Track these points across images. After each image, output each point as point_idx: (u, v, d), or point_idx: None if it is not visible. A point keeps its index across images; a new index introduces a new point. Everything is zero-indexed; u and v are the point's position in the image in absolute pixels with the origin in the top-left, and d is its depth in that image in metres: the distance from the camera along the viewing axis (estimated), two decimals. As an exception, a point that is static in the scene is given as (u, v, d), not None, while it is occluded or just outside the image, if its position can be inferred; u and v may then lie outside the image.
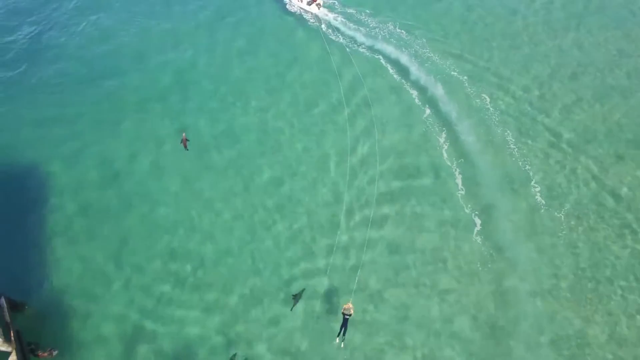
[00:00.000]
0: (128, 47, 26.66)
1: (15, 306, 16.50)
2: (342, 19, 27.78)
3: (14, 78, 25.03)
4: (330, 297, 17.57)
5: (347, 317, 15.79)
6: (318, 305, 17.29)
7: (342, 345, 16.12)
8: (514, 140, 21.94)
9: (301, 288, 17.36)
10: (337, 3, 28.78)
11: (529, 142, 21.93)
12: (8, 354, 14.50)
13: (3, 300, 15.86)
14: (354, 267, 18.09)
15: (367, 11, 28.06)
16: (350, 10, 28.32)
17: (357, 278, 17.54)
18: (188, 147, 21.09)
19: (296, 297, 16.85)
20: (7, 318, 15.31)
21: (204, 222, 19.73)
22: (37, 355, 15.22)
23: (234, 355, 15.90)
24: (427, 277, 17.96)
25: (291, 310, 16.87)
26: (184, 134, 21.01)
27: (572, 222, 19.26)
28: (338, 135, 22.50)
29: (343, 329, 15.89)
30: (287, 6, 28.74)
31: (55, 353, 15.38)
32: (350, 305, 15.77)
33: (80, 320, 16.95)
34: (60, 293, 17.57)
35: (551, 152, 21.57)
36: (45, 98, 24.09)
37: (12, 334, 14.88)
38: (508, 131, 22.23)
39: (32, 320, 16.72)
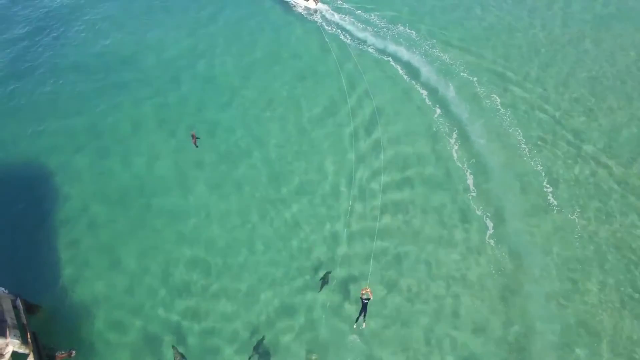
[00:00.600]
0: (142, 53, 26.46)
1: (29, 308, 16.47)
2: (351, 19, 27.61)
3: (31, 84, 24.91)
4: (345, 285, 17.80)
5: (366, 301, 15.95)
6: (334, 294, 17.55)
7: (363, 326, 16.33)
8: (525, 140, 21.79)
9: (327, 271, 17.77)
10: (345, 4, 28.62)
11: (542, 143, 21.80)
12: (26, 356, 14.58)
13: (19, 301, 15.89)
14: (366, 266, 18.07)
15: (377, 13, 27.86)
16: (359, 11, 28.16)
17: (369, 274, 17.65)
18: (198, 144, 21.30)
19: (323, 279, 17.37)
20: (24, 320, 15.34)
21: (224, 220, 19.72)
22: (55, 358, 15.33)
23: (262, 338, 16.25)
24: (440, 279, 17.88)
25: (319, 291, 17.35)
26: (193, 132, 21.27)
27: (592, 225, 19.08)
28: (350, 136, 22.34)
29: (363, 313, 16.10)
30: (293, 8, 28.66)
31: (74, 353, 15.47)
32: (368, 289, 16.03)
33: (97, 319, 17.01)
34: (75, 293, 17.63)
35: (567, 154, 21.43)
36: (63, 103, 24.06)
37: (29, 336, 14.98)
38: (520, 131, 22.06)
39: (47, 322, 16.77)
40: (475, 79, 24.16)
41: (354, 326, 16.41)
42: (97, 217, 19.67)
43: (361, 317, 16.20)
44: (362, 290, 16.15)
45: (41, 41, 27.21)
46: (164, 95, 24.29)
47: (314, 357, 16.21)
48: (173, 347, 15.97)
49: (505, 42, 26.46)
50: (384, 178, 20.58)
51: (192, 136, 21.18)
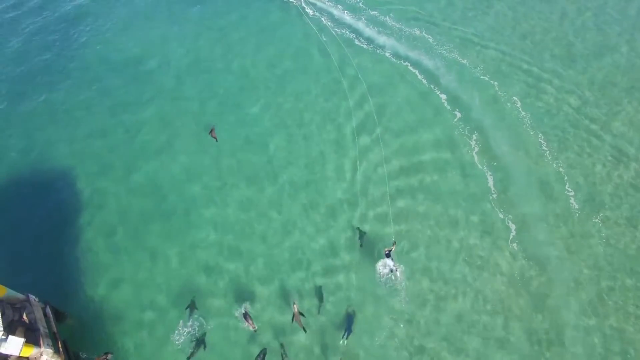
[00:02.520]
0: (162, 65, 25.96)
1: (58, 315, 16.38)
2: (365, 21, 27.37)
3: (58, 96, 24.39)
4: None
5: (388, 251, 17.62)
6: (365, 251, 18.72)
7: (398, 274, 17.70)
8: (546, 143, 21.83)
9: (357, 227, 19.14)
10: (362, 4, 28.38)
11: (565, 146, 21.75)
12: (58, 364, 14.61)
13: (49, 309, 15.78)
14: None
15: (391, 15, 27.58)
16: (374, 12, 27.97)
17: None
18: (217, 138, 21.58)
19: (360, 236, 18.82)
20: (54, 328, 15.28)
21: (248, 223, 19.74)
22: None
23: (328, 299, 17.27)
24: (464, 284, 17.94)
25: (361, 246, 18.71)
26: (213, 127, 21.45)
27: (615, 228, 19.15)
28: (367, 141, 22.29)
29: (392, 262, 17.63)
30: (307, 10, 28.30)
31: (110, 357, 15.45)
32: (393, 247, 17.70)
33: (124, 325, 16.97)
34: (102, 299, 17.60)
35: (589, 157, 21.40)
36: (86, 113, 23.68)
37: (59, 345, 14.92)
38: (541, 134, 22.08)
39: (75, 329, 16.74)
40: (496, 83, 24.05)
41: (390, 275, 17.66)
42: (123, 223, 19.58)
43: (393, 266, 17.66)
44: (388, 248, 17.74)
45: (66, 53, 26.48)
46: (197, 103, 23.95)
47: (350, 309, 17.13)
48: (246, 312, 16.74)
49: (538, 43, 26.13)
50: (401, 180, 20.70)
51: (212, 131, 21.33)
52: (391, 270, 17.61)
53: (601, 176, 20.74)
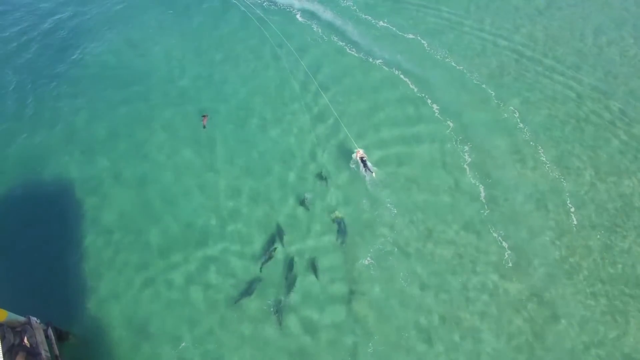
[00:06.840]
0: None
1: (60, 335, 16.63)
2: (358, 30, 26.65)
3: (60, 100, 24.89)
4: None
5: (364, 159, 19.06)
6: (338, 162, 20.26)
7: (373, 175, 19.37)
8: (546, 157, 20.63)
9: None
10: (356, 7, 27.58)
11: (565, 160, 20.44)
12: (59, 388, 14.87)
13: (50, 331, 16.05)
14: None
15: (386, 20, 26.67)
16: (367, 16, 27.14)
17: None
18: (206, 125, 21.86)
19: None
20: (57, 351, 15.59)
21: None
22: None
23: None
24: (455, 307, 17.33)
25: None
26: (205, 115, 21.88)
27: (619, 245, 17.95)
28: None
29: (367, 169, 19.30)
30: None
31: None
32: (359, 151, 19.21)
33: (128, 343, 17.15)
34: (104, 319, 17.79)
35: (591, 171, 19.92)
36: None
37: None
38: (540, 147, 20.83)
39: (78, 349, 17.03)
40: (492, 92, 22.77)
41: (367, 178, 19.31)
42: (128, 240, 19.69)
43: (369, 171, 19.15)
44: (356, 154, 19.14)
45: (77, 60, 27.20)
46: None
47: (337, 214, 18.06)
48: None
49: (533, 45, 24.72)
50: (392, 190, 20.09)
51: (204, 118, 21.67)
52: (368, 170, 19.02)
53: (604, 192, 19.33)
